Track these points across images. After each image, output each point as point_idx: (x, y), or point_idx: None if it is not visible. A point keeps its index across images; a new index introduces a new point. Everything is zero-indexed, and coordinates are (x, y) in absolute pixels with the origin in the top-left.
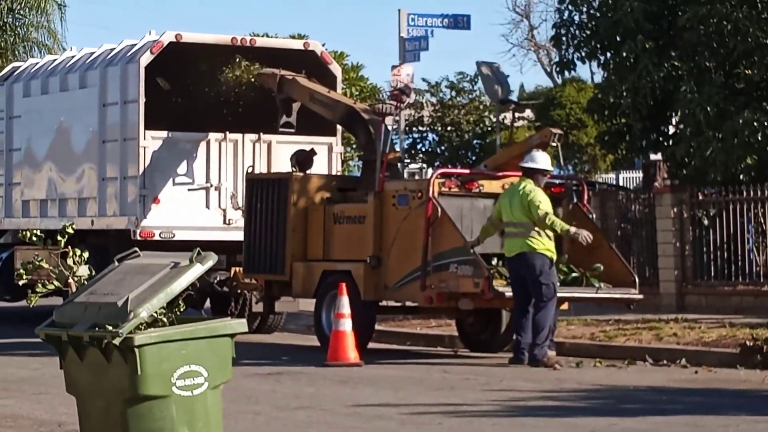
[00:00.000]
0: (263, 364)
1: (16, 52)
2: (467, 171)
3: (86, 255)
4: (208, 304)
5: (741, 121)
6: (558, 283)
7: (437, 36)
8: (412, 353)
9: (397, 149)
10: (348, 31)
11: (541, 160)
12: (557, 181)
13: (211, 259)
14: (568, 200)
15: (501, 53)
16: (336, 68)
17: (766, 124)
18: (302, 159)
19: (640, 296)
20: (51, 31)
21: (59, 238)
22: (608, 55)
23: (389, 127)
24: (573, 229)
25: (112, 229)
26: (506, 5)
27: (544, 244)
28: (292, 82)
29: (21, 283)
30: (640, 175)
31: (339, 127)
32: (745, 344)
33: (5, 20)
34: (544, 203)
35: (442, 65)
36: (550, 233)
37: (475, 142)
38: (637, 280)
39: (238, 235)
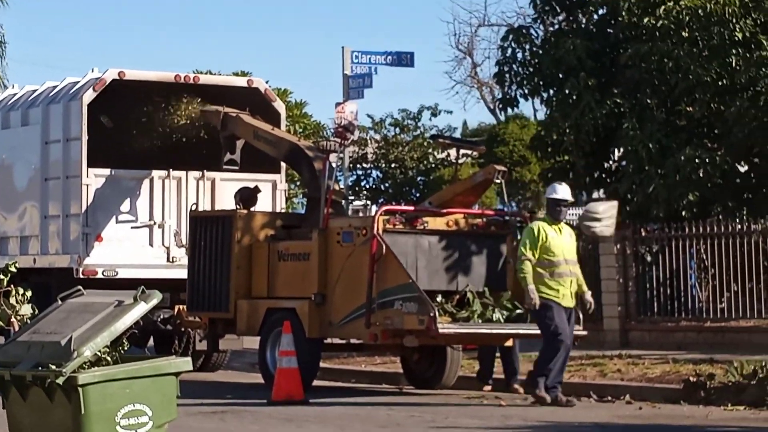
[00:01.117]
0: (208, 402)
1: None
2: (412, 208)
3: (29, 294)
4: (151, 342)
5: (683, 157)
6: (558, 325)
7: (381, 73)
8: (357, 390)
9: (341, 186)
10: (292, 68)
11: (560, 190)
12: (501, 218)
13: (156, 298)
14: (512, 236)
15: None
16: (280, 105)
17: (707, 160)
18: (246, 196)
19: (584, 332)
20: None
21: (1, 276)
22: (551, 92)
23: (333, 164)
24: (530, 288)
25: (55, 268)
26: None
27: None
28: (236, 119)
29: None
30: (581, 211)
31: (283, 164)
32: (688, 380)
33: None
34: (529, 244)
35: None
36: (567, 279)
37: (419, 178)
38: (581, 316)
39: (182, 273)
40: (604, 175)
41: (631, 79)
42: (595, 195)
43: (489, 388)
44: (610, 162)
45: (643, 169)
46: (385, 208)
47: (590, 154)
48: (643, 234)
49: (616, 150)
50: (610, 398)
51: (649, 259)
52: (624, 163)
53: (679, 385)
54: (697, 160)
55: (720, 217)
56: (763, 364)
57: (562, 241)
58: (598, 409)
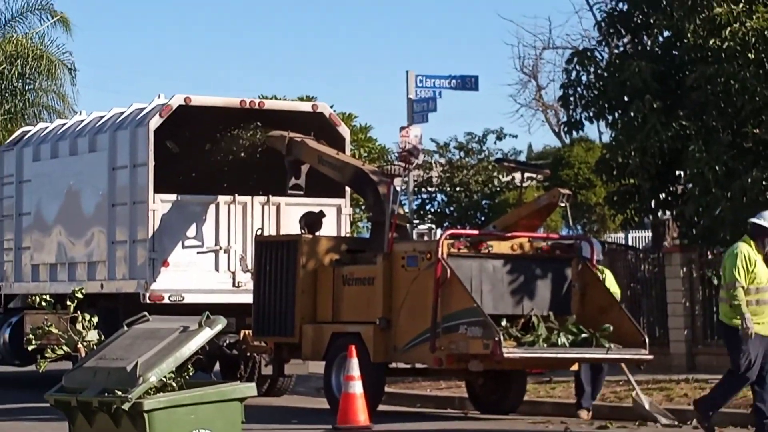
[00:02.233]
0: (273, 427)
1: (26, 117)
2: (476, 232)
3: (95, 320)
4: (217, 367)
5: (749, 180)
6: (752, 360)
7: (445, 97)
8: (423, 415)
9: (406, 210)
10: (356, 93)
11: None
12: (566, 241)
13: (220, 323)
14: (577, 260)
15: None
16: (344, 130)
17: None
18: (311, 221)
19: (651, 356)
20: (61, 95)
21: (68, 302)
22: (616, 114)
23: (398, 188)
24: (748, 317)
25: (122, 293)
26: (514, 66)
27: (734, 313)
28: (301, 144)
29: (30, 348)
30: (650, 234)
31: (348, 189)
32: (756, 404)
33: (15, 85)
34: (741, 271)
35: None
36: (761, 303)
37: (484, 202)
38: (647, 340)
39: (248, 298)
40: (669, 198)
41: (696, 101)
42: (661, 217)
43: (585, 414)
44: (676, 185)
45: (709, 191)
46: (449, 232)
47: (656, 176)
48: (710, 257)
49: (681, 173)
50: (677, 423)
51: (715, 282)
52: (690, 185)
53: (747, 409)
54: (764, 182)
55: None
56: None
57: (765, 267)
58: None
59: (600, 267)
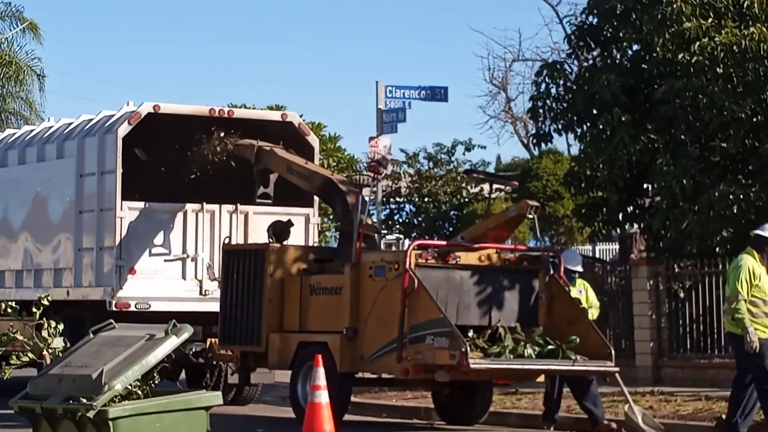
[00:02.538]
0: None
1: None
2: (444, 243)
3: (61, 327)
4: (183, 375)
5: (717, 193)
6: None
7: (415, 107)
8: (389, 425)
9: (374, 220)
10: (326, 103)
11: None
12: (534, 253)
13: (187, 332)
14: (544, 272)
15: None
16: (314, 139)
17: (741, 197)
18: (279, 230)
19: (617, 369)
20: (28, 102)
21: (34, 309)
22: (585, 127)
23: (366, 198)
24: (751, 330)
25: (88, 300)
26: (483, 77)
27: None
28: (270, 153)
29: None
30: (617, 246)
31: (316, 198)
32: (720, 417)
33: None
34: (744, 284)
35: (420, 137)
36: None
37: (452, 213)
38: (613, 352)
39: (215, 306)
40: (637, 211)
41: (665, 114)
42: (628, 229)
43: (550, 428)
44: (644, 198)
45: (676, 204)
46: (417, 242)
47: (624, 189)
48: (677, 270)
49: (649, 186)
50: None
51: (682, 295)
52: (658, 198)
53: (711, 422)
54: (731, 197)
55: None
56: None
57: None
58: None
59: (580, 281)
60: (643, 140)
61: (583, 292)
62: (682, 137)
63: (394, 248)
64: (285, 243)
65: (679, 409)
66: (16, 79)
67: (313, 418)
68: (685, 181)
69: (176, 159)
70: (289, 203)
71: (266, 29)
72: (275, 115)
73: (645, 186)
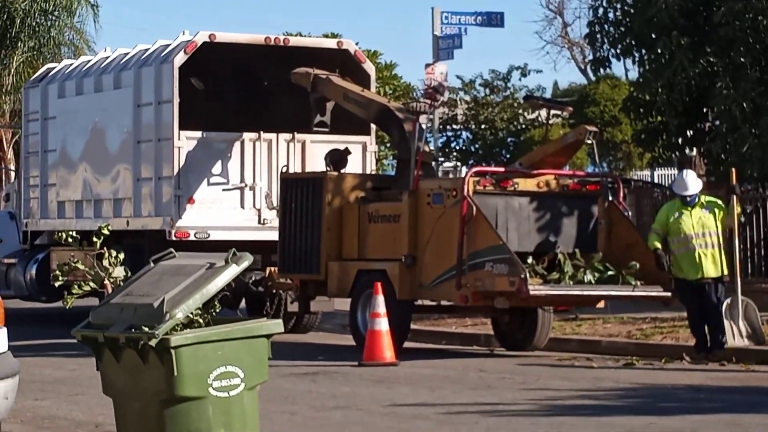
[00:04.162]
0: (299, 364)
1: (47, 55)
2: (502, 169)
3: (122, 256)
4: (243, 304)
5: None
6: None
7: (471, 34)
8: (448, 352)
9: (431, 147)
10: (381, 30)
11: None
12: (592, 179)
13: (247, 260)
14: (603, 198)
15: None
16: (369, 67)
17: None
18: (336, 158)
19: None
20: (79, 32)
21: (95, 239)
22: (643, 51)
23: (423, 126)
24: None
25: (148, 230)
26: (540, 3)
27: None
28: (326, 81)
29: (57, 284)
30: (676, 171)
31: (373, 126)
32: None
33: (38, 21)
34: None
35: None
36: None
37: (509, 139)
38: (672, 278)
39: (273, 235)
40: (697, 135)
41: (724, 37)
42: (688, 153)
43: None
44: (704, 122)
45: (737, 128)
46: (475, 169)
47: (683, 114)
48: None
49: (709, 110)
50: (704, 361)
51: (743, 219)
52: (717, 122)
53: None
54: None
55: None
56: None
57: None
58: (691, 371)
59: (706, 199)
60: (702, 63)
61: (707, 210)
62: (742, 60)
63: (451, 176)
64: (342, 171)
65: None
66: (68, 10)
67: (373, 345)
68: (745, 104)
69: (232, 88)
70: (346, 131)
71: None
72: (331, 43)
73: (704, 110)
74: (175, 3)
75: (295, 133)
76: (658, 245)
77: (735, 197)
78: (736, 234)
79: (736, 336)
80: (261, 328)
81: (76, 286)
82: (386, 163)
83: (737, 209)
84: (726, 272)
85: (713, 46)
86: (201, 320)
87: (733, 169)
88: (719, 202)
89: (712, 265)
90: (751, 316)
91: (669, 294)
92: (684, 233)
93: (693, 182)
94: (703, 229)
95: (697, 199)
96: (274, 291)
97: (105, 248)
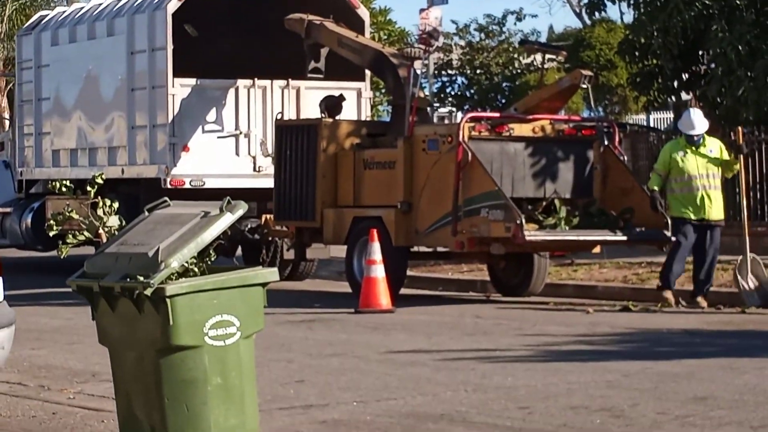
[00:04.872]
0: (295, 311)
1: (41, 1)
2: (497, 115)
3: (116, 205)
4: (239, 252)
5: None
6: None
7: None
8: (445, 299)
9: (427, 93)
10: None
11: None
12: (588, 124)
13: (241, 208)
14: (599, 142)
15: None
16: (364, 12)
17: None
18: (331, 105)
19: (673, 238)
20: None
21: (89, 188)
22: None
23: (418, 71)
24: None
25: (143, 178)
26: None
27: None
28: (320, 26)
29: (52, 233)
30: (671, 115)
31: (368, 72)
32: None
33: None
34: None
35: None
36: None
37: (504, 84)
38: (669, 221)
39: (269, 182)
40: (692, 79)
41: None
42: (683, 97)
43: (702, 300)
44: (699, 65)
45: (732, 71)
46: (470, 115)
47: (678, 57)
48: (733, 137)
49: (705, 53)
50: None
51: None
52: (713, 65)
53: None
54: None
55: None
56: None
57: None
58: (687, 316)
59: (710, 139)
60: (697, 6)
61: (713, 152)
62: (737, 2)
63: (446, 121)
64: (337, 118)
65: None
66: None
67: (370, 292)
68: (740, 47)
69: (226, 35)
70: (341, 77)
71: None
72: None
73: (700, 53)
74: None
75: (290, 79)
76: (657, 188)
77: (741, 157)
78: (744, 193)
79: (747, 296)
80: (256, 277)
81: (70, 236)
82: (381, 109)
83: (740, 166)
84: (723, 216)
85: None
86: (196, 269)
87: (740, 129)
88: (722, 145)
89: (714, 208)
90: (757, 270)
91: (665, 238)
92: (688, 173)
93: (700, 121)
94: (708, 171)
95: (702, 140)
96: (270, 239)
97: (99, 197)
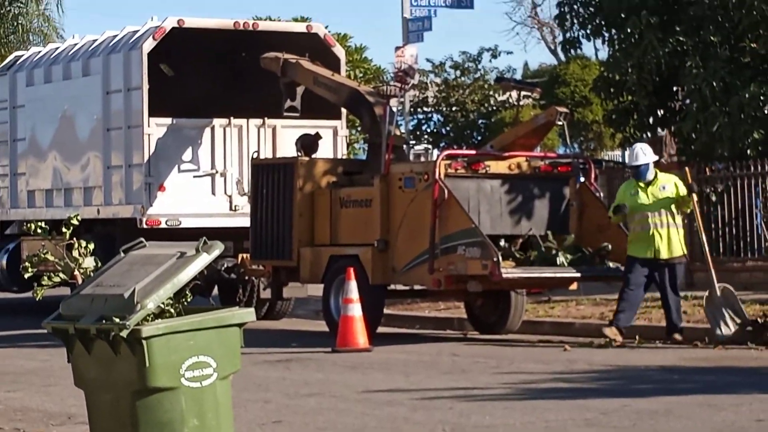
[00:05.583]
0: (272, 351)
1: (16, 42)
2: (473, 152)
3: (92, 246)
4: (216, 291)
5: (747, 95)
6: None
7: (440, 16)
8: (422, 337)
9: (403, 131)
10: (351, 13)
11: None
12: (564, 160)
13: (218, 248)
14: (575, 179)
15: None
16: (339, 50)
17: None
18: (307, 143)
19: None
20: (47, 20)
21: (64, 229)
22: (613, 31)
23: (394, 109)
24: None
25: (119, 218)
26: None
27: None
28: (296, 65)
29: (27, 275)
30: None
31: (343, 110)
32: (755, 321)
33: (6, 8)
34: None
35: (446, 45)
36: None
37: (480, 121)
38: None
39: (245, 221)
40: (668, 115)
41: (694, 16)
42: (658, 133)
43: (678, 337)
44: (674, 101)
45: (707, 107)
46: (446, 152)
47: (653, 93)
48: (708, 173)
49: (679, 89)
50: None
51: (714, 198)
52: (688, 101)
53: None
54: (762, 98)
55: None
56: None
57: None
58: (664, 352)
59: (663, 176)
60: (671, 43)
61: (666, 188)
62: (712, 38)
63: (423, 159)
64: (314, 156)
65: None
66: None
67: (347, 331)
68: (715, 83)
69: (202, 74)
70: (317, 116)
71: None
72: (300, 27)
73: (675, 89)
74: None
75: (266, 118)
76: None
77: (694, 195)
78: (701, 227)
79: (723, 327)
80: (233, 317)
81: (46, 277)
82: (357, 147)
83: (693, 204)
84: (684, 252)
85: (683, 25)
86: (172, 310)
87: (687, 169)
88: (678, 182)
89: (665, 246)
90: (730, 300)
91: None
92: (639, 212)
93: (643, 152)
94: (660, 208)
95: (653, 176)
96: (247, 278)
97: (74, 238)
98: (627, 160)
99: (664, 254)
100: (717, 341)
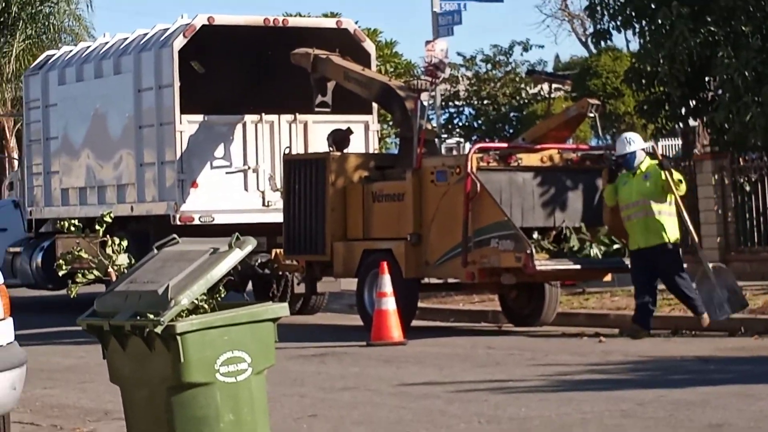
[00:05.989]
0: (307, 345)
1: (47, 41)
2: (505, 145)
3: (125, 243)
4: (249, 287)
5: None
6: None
7: (470, 9)
8: (456, 330)
9: (434, 125)
10: (381, 8)
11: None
12: (596, 152)
13: (250, 244)
14: (607, 171)
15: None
16: (370, 45)
17: None
18: (339, 138)
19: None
20: (78, 19)
21: (97, 227)
22: (643, 22)
23: (425, 103)
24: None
25: (152, 215)
26: None
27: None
28: (326, 61)
29: (61, 273)
30: (680, 142)
31: (375, 105)
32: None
33: (37, 8)
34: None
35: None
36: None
37: (512, 114)
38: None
39: (278, 217)
40: (700, 105)
41: (725, 6)
42: (691, 123)
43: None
44: (706, 91)
45: (739, 97)
46: (478, 145)
47: (685, 84)
48: (741, 163)
49: (711, 79)
50: (711, 331)
51: (747, 188)
52: (720, 91)
53: None
54: None
55: None
56: None
57: None
58: (700, 343)
59: (648, 164)
60: (703, 33)
61: (648, 177)
62: (743, 28)
63: (454, 152)
64: (345, 151)
65: (748, 303)
66: None
67: (381, 325)
68: (747, 73)
69: (233, 70)
70: (348, 111)
71: None
72: (330, 23)
73: (707, 80)
74: None
75: (297, 114)
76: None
77: (664, 170)
78: (683, 206)
79: (718, 308)
80: (266, 312)
81: (80, 275)
82: (389, 141)
83: (672, 180)
84: (669, 239)
85: (714, 15)
86: (206, 306)
87: (653, 144)
88: (657, 169)
89: (640, 234)
90: (728, 280)
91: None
92: (625, 202)
93: (628, 141)
94: (639, 197)
95: (638, 165)
96: (281, 273)
97: (108, 236)
98: (616, 153)
99: (650, 242)
100: (710, 320)
